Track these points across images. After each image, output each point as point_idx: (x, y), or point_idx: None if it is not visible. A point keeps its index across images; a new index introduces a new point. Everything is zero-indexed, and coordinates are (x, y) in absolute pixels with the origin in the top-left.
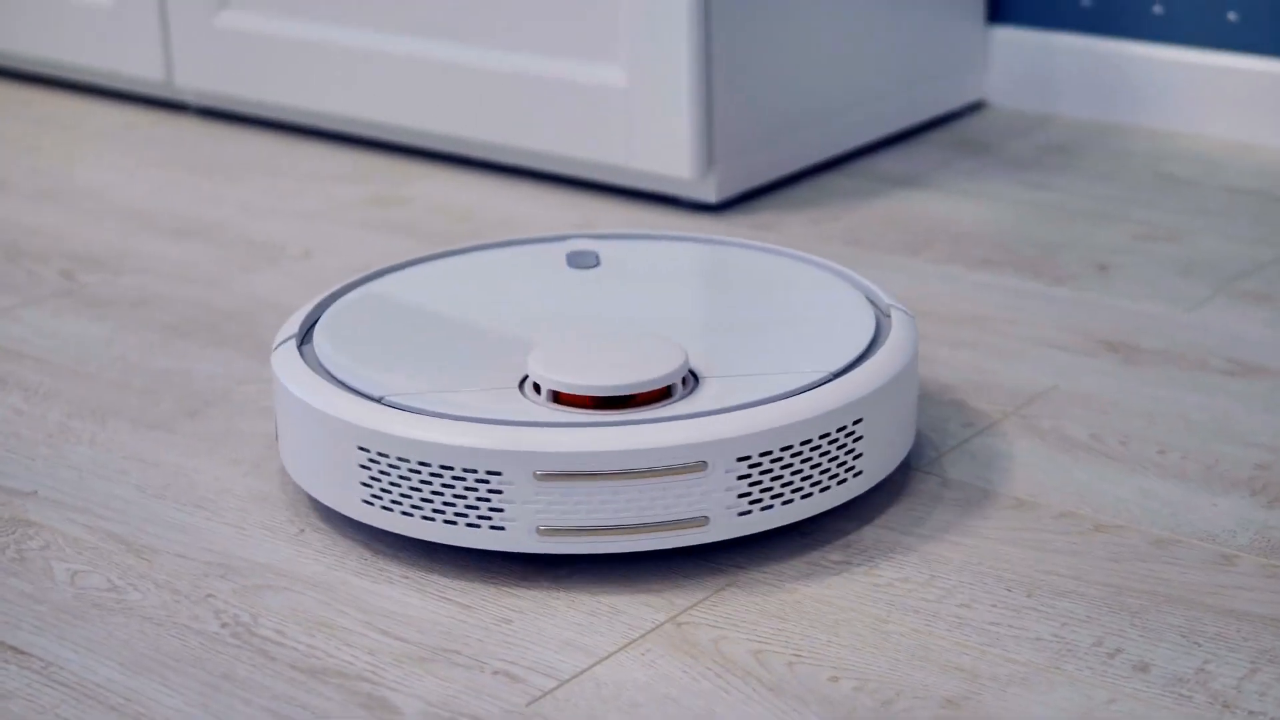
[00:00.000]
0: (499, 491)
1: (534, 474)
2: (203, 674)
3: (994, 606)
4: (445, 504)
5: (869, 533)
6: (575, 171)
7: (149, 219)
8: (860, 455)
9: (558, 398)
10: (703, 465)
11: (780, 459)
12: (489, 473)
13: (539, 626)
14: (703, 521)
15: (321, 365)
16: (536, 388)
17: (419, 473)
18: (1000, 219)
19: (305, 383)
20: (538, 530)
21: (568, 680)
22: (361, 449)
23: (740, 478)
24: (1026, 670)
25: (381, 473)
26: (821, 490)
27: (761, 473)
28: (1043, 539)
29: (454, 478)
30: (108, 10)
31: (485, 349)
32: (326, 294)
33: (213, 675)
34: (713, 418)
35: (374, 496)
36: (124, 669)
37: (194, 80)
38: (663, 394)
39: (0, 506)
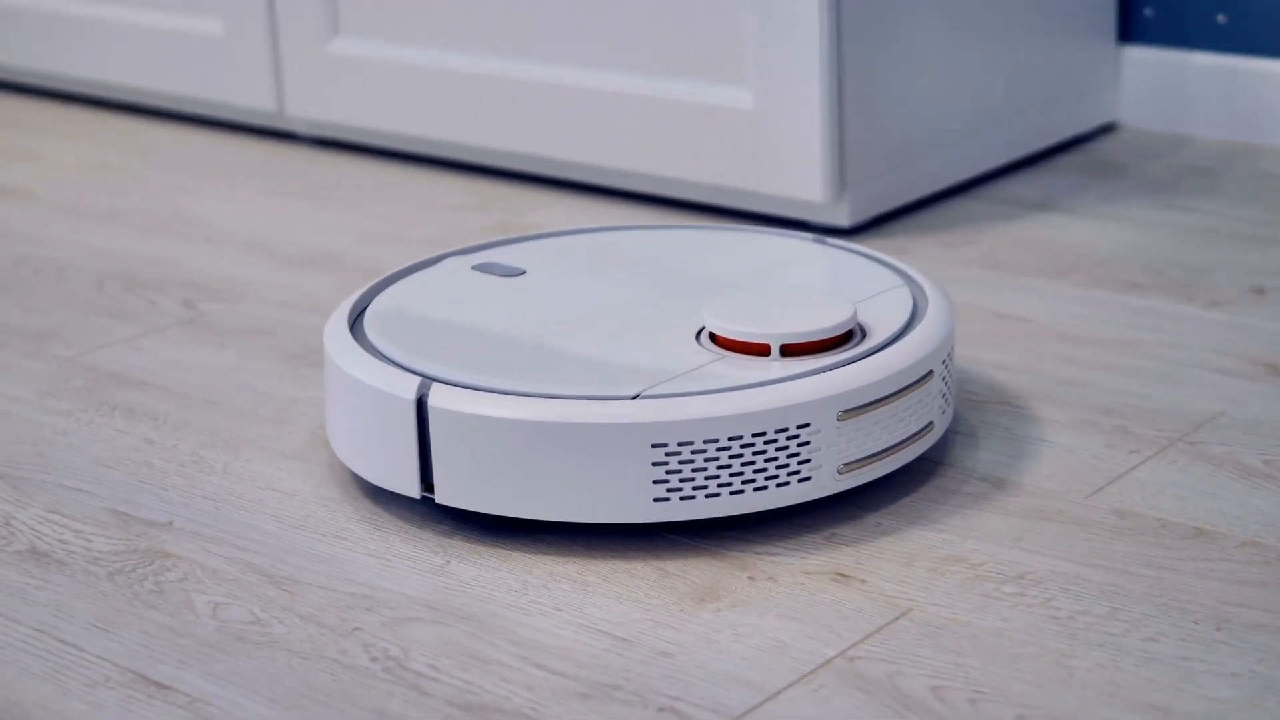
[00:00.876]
0: (808, 442)
1: (837, 415)
2: (356, 710)
3: (1183, 640)
4: (756, 471)
5: (1043, 564)
6: (702, 197)
7: (267, 248)
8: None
9: (786, 350)
10: (930, 374)
11: (951, 360)
12: (799, 426)
13: (702, 661)
14: (930, 428)
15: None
16: (724, 343)
17: (728, 448)
18: (1144, 242)
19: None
20: (838, 471)
21: (739, 717)
22: (657, 445)
23: (943, 380)
24: (1225, 708)
25: (683, 462)
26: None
27: (949, 374)
28: (1228, 569)
29: (766, 441)
30: (218, 40)
31: (619, 337)
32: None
33: (367, 711)
34: (918, 339)
35: (670, 491)
36: (274, 705)
37: (306, 109)
38: (850, 335)
39: (136, 538)
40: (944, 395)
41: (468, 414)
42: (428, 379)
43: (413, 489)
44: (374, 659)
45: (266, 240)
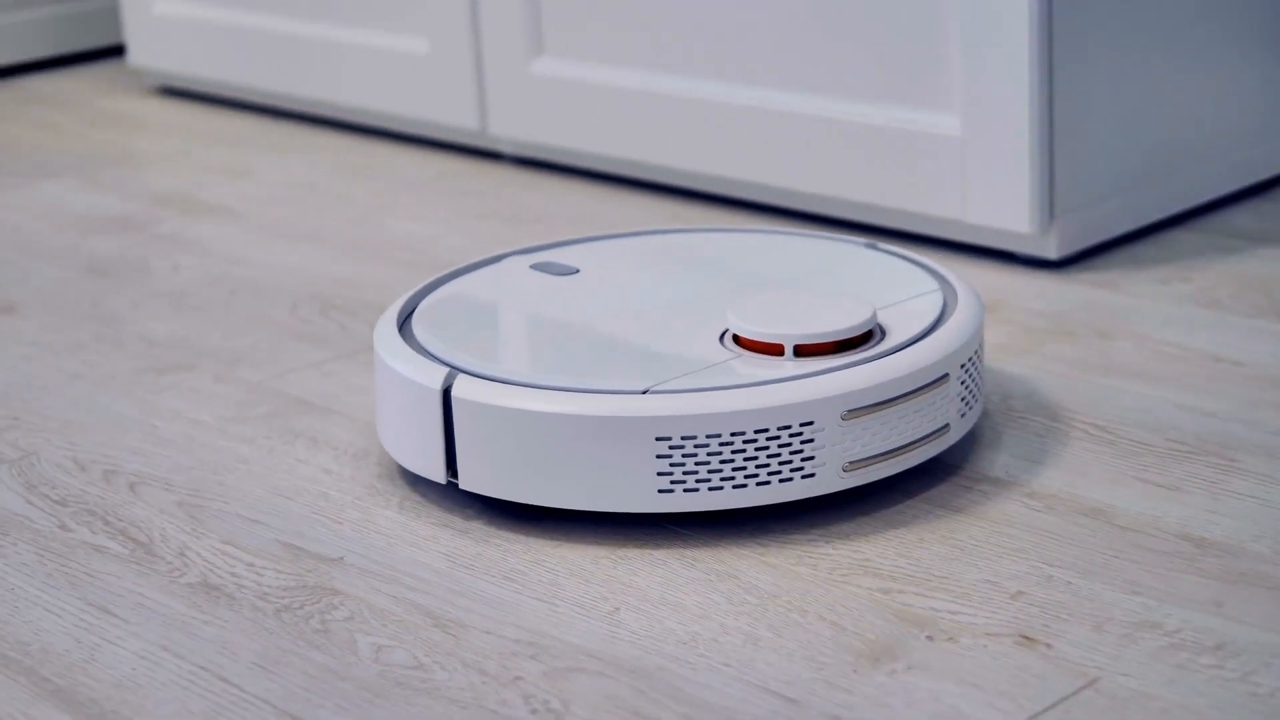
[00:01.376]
0: (811, 439)
1: (841, 415)
2: None
3: None
4: (759, 466)
5: (1243, 634)
6: (903, 225)
7: None
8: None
9: (799, 350)
10: (946, 377)
11: (975, 363)
12: (802, 424)
13: None
14: (946, 430)
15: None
16: (744, 343)
17: (730, 444)
18: None
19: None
20: (843, 469)
21: None
22: (661, 439)
23: (963, 384)
24: None
25: (686, 455)
26: (982, 392)
27: (970, 378)
28: None
29: (769, 438)
30: (424, 57)
31: (647, 335)
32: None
33: None
34: (933, 342)
35: (674, 482)
36: None
37: (509, 129)
38: (869, 335)
39: (307, 573)
40: (964, 399)
41: (487, 404)
42: (455, 370)
43: (439, 474)
44: (533, 711)
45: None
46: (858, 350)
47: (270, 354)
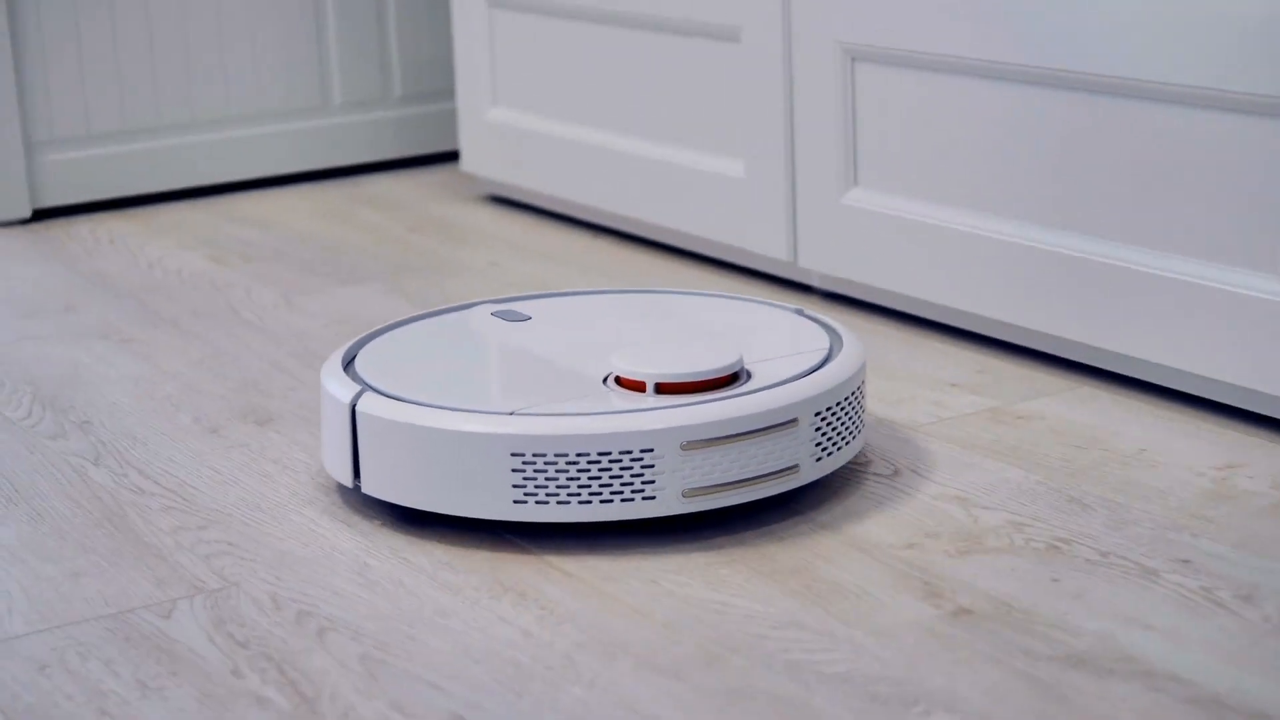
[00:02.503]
0: (651, 465)
1: (681, 445)
2: None
3: None
4: (602, 485)
5: None
6: (1217, 395)
7: None
8: (863, 410)
9: (660, 388)
10: (795, 421)
11: (836, 414)
12: (642, 450)
13: None
14: (795, 470)
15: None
16: (627, 384)
17: (576, 463)
18: None
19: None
20: (683, 494)
21: None
22: (516, 454)
23: (817, 429)
24: None
25: (537, 470)
26: (853, 439)
27: (828, 425)
28: None
29: (611, 460)
30: (738, 180)
31: (548, 371)
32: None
33: None
34: (786, 389)
35: (527, 494)
36: None
37: (819, 261)
38: (734, 378)
39: None
40: (817, 444)
41: (380, 418)
42: (367, 388)
43: (347, 479)
44: None
45: None
46: (719, 391)
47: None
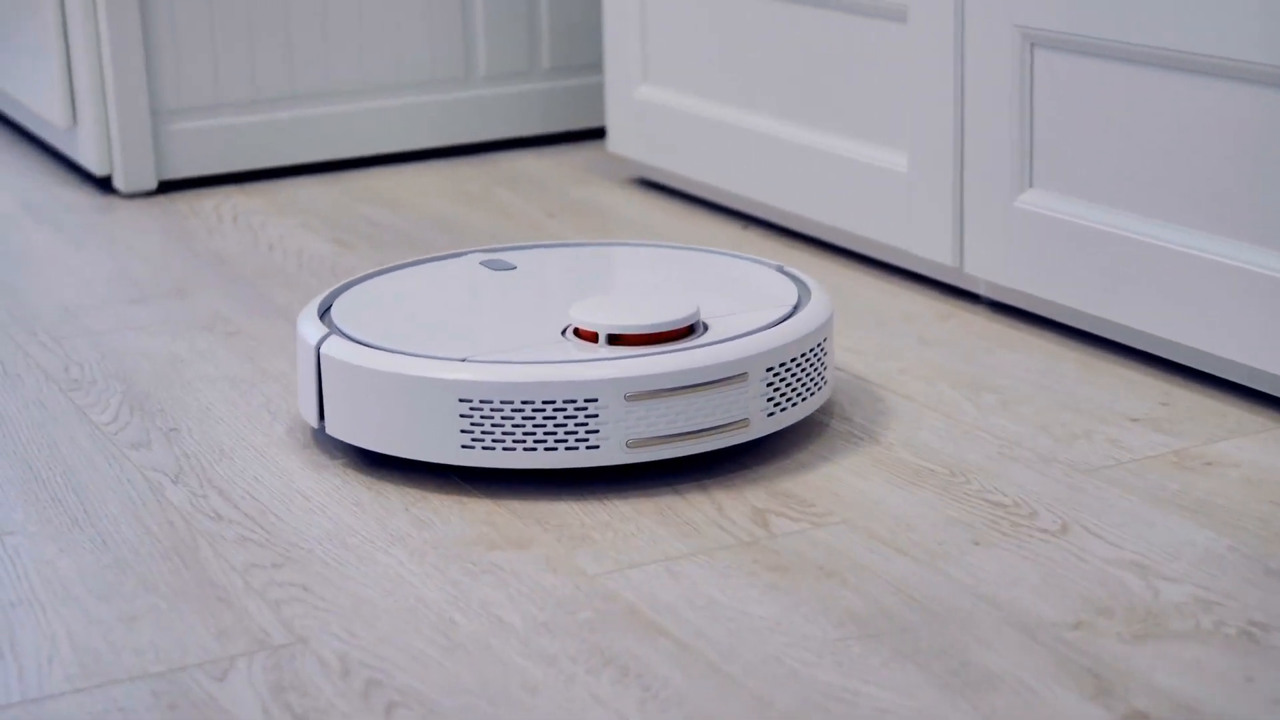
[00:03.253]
0: (595, 415)
1: (625, 396)
2: None
3: None
4: (546, 434)
5: None
6: None
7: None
8: (825, 367)
9: (614, 340)
10: (745, 375)
11: (791, 369)
12: (586, 399)
13: None
14: (744, 423)
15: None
16: (583, 335)
17: (521, 410)
18: None
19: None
20: (627, 444)
21: None
22: (464, 400)
23: (769, 385)
24: None
25: (484, 417)
26: (811, 395)
27: (782, 381)
28: None
29: (555, 409)
30: (901, 177)
31: (513, 320)
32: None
33: None
34: (735, 344)
35: (474, 440)
36: None
37: (987, 269)
38: (689, 330)
39: None
40: (770, 399)
41: (340, 360)
42: (335, 331)
43: (314, 420)
44: None
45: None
46: (673, 343)
47: (623, 537)
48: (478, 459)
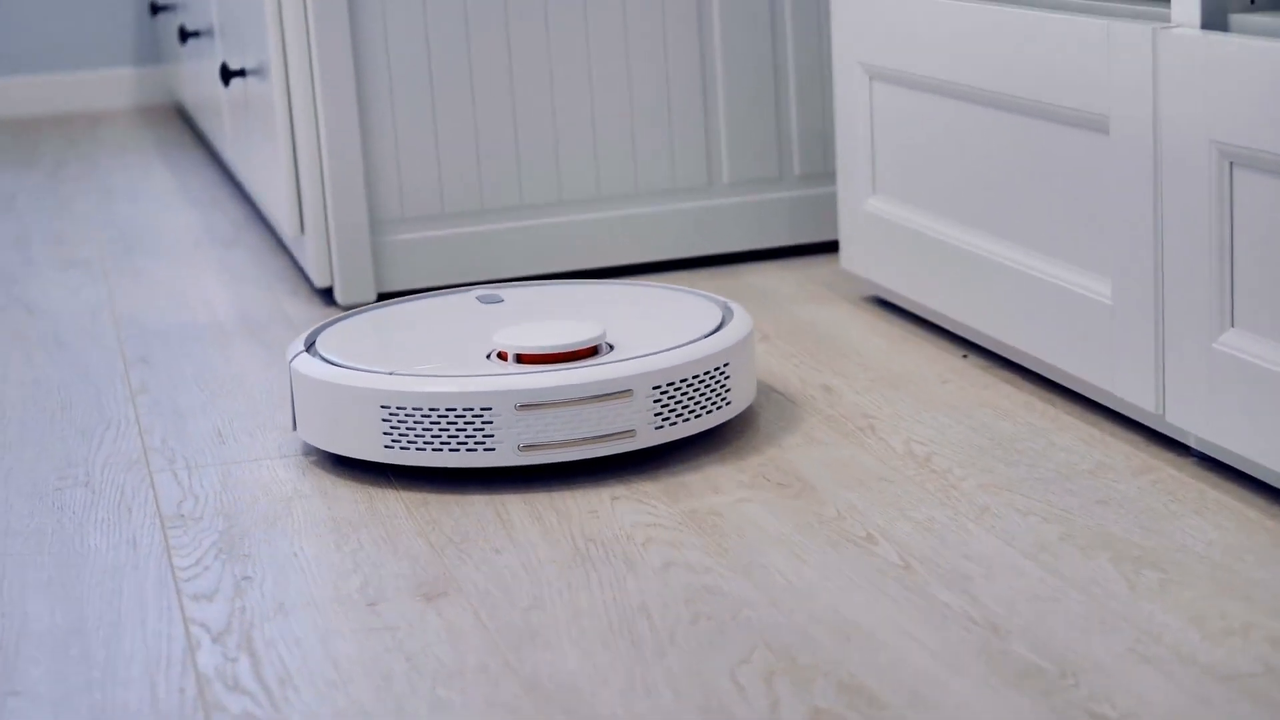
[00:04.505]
0: (490, 422)
1: (515, 406)
2: None
3: None
4: (450, 437)
5: None
6: None
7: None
8: (730, 390)
9: (522, 359)
10: (629, 392)
11: (680, 388)
12: (482, 408)
13: None
14: (631, 434)
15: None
16: (502, 356)
17: (429, 416)
18: None
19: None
20: (519, 448)
21: None
22: (384, 406)
23: (656, 400)
24: None
25: (400, 421)
26: (707, 413)
27: (669, 398)
28: None
29: (457, 415)
30: (1104, 307)
31: (455, 344)
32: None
33: None
34: (623, 365)
35: (393, 440)
36: None
37: (1191, 419)
38: (593, 351)
39: None
40: (657, 414)
41: (301, 373)
42: (309, 350)
43: (289, 426)
44: None
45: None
46: (572, 363)
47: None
48: (397, 457)
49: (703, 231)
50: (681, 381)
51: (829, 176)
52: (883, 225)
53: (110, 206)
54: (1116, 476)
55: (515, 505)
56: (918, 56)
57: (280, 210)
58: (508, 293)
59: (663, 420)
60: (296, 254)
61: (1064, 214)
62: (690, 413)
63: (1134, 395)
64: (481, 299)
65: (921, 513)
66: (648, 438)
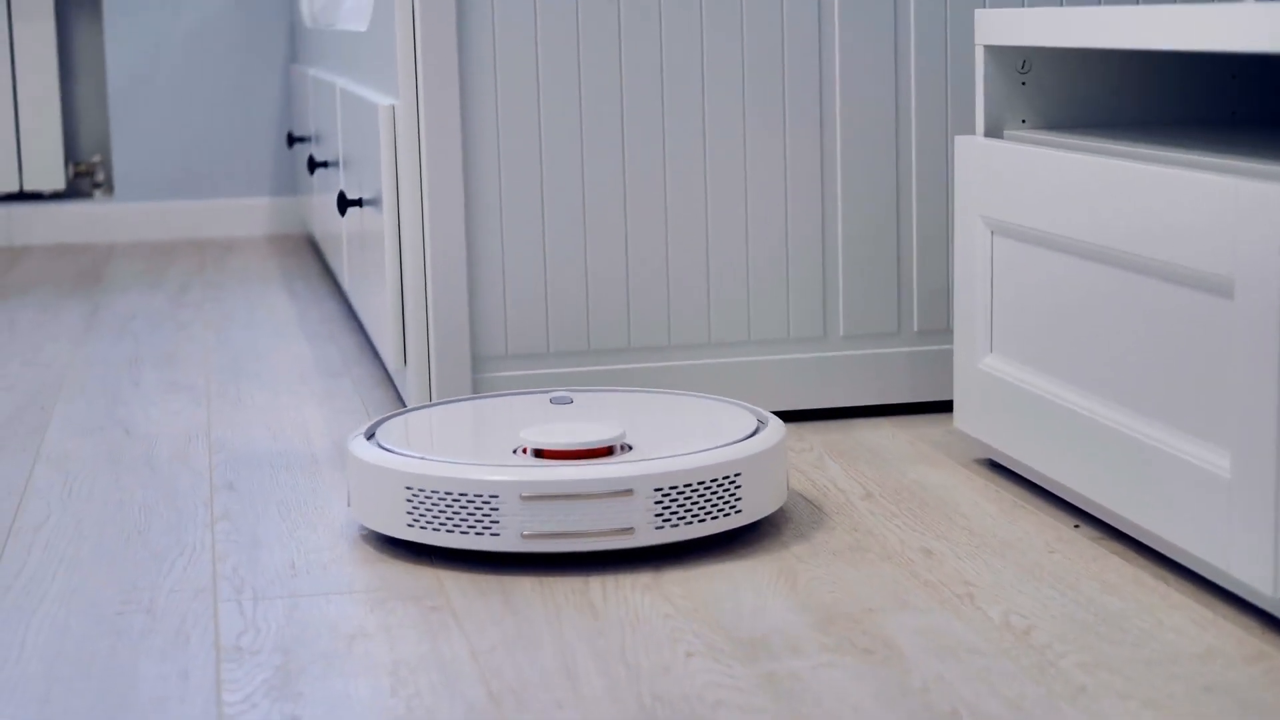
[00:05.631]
0: (496, 509)
1: (520, 496)
2: None
3: None
4: (461, 519)
5: None
6: None
7: None
8: (740, 499)
9: (540, 454)
10: (630, 491)
11: (685, 491)
12: (490, 495)
13: None
14: (630, 531)
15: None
16: (526, 451)
17: (445, 499)
18: None
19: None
20: (523, 535)
21: None
22: (408, 488)
23: (658, 501)
24: None
25: (419, 502)
26: (713, 519)
27: (671, 500)
28: None
29: (467, 500)
30: (1222, 481)
31: (495, 437)
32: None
33: None
34: (627, 467)
35: (415, 519)
36: None
37: None
38: (608, 451)
39: None
40: (657, 514)
41: (351, 453)
42: (369, 437)
43: (346, 502)
44: None
45: None
46: (585, 460)
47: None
48: (417, 535)
49: (815, 384)
50: (685, 485)
51: (948, 334)
52: (998, 385)
53: (226, 333)
54: (1227, 663)
55: (583, 655)
56: (1039, 210)
57: (385, 341)
58: (581, 395)
59: (663, 521)
60: (399, 386)
61: (1183, 380)
62: (694, 516)
63: (1250, 576)
64: (554, 400)
65: (1013, 689)
66: (647, 536)
